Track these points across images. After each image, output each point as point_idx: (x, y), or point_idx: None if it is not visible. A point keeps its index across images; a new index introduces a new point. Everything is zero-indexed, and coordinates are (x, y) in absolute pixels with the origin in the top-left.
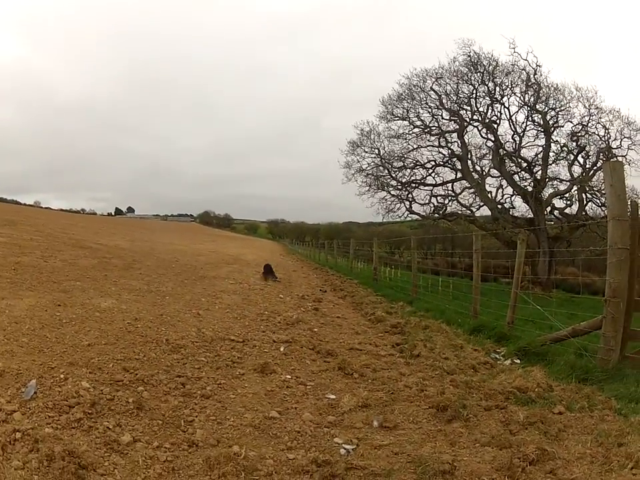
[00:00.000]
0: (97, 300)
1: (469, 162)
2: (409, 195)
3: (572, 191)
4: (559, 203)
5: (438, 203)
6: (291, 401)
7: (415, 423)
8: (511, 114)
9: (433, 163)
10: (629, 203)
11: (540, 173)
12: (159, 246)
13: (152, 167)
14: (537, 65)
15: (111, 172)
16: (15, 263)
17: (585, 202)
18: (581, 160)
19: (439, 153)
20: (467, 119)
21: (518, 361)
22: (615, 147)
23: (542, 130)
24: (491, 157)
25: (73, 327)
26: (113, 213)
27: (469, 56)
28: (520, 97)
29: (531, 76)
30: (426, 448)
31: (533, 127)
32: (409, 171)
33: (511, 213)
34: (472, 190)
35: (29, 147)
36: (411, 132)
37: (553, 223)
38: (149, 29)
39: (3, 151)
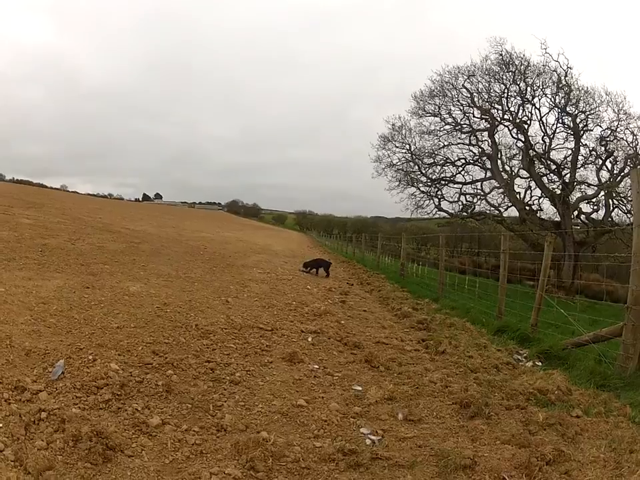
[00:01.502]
0: (125, 284)
1: (499, 161)
2: (439, 192)
3: (599, 196)
4: (585, 207)
5: (467, 201)
6: (318, 391)
7: (438, 417)
8: (542, 115)
9: (463, 160)
10: None
11: (568, 176)
12: (186, 233)
13: (180, 153)
14: (567, 67)
15: (139, 158)
16: (42, 245)
17: (611, 208)
18: (609, 165)
19: (470, 151)
20: (498, 118)
21: (539, 363)
22: None
23: (572, 133)
24: (520, 158)
25: (101, 309)
26: (141, 199)
27: (501, 55)
28: (551, 99)
29: (562, 78)
30: (448, 442)
31: (562, 129)
32: (439, 167)
33: (538, 215)
34: (501, 190)
35: (55, 130)
36: (442, 129)
37: (579, 227)
38: (178, 14)
39: (30, 133)
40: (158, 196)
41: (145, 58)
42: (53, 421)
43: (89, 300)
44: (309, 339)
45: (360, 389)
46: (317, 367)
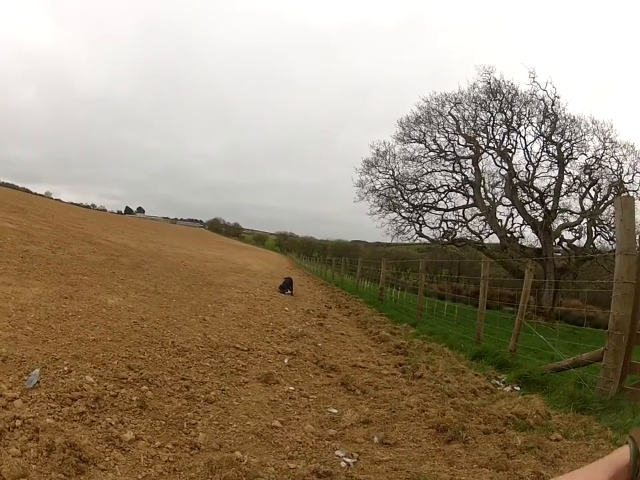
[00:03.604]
0: (103, 296)
1: (482, 189)
2: (420, 218)
3: (581, 223)
4: (567, 234)
5: (448, 227)
6: (294, 412)
7: (414, 441)
8: (527, 143)
9: (446, 187)
10: (638, 238)
11: (551, 204)
12: (167, 249)
13: (165, 167)
14: (555, 96)
15: (125, 169)
16: (23, 251)
17: (593, 235)
18: (593, 193)
19: (453, 178)
20: (483, 146)
21: (518, 388)
22: (627, 181)
23: (556, 161)
24: (503, 186)
25: (78, 320)
26: (123, 212)
27: (489, 83)
28: (536, 127)
29: (549, 107)
30: (425, 466)
31: (547, 157)
32: (421, 194)
33: (519, 242)
34: (482, 217)
35: (45, 135)
36: (426, 155)
37: (560, 254)
38: (174, 27)
39: (19, 136)
40: (140, 210)
41: (140, 67)
42: (28, 429)
43: (66, 310)
44: (285, 361)
45: (335, 411)
46: (292, 388)
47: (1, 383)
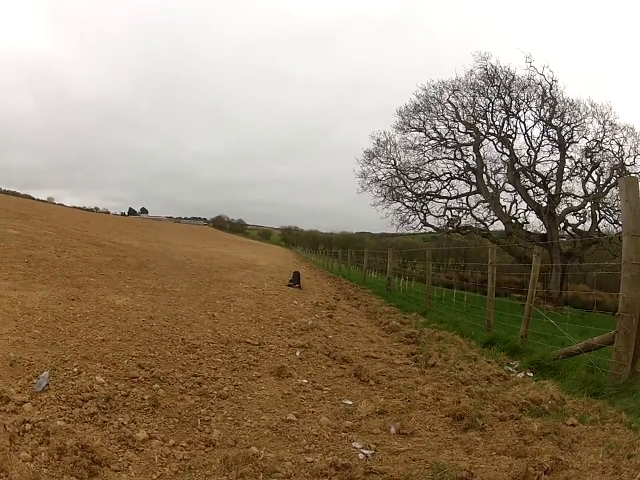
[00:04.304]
0: (111, 297)
1: (484, 175)
2: (424, 207)
3: (585, 207)
4: (572, 219)
5: (452, 215)
6: (308, 405)
7: (431, 430)
8: (527, 128)
9: (448, 175)
10: None
11: (554, 188)
12: (172, 247)
13: (167, 168)
14: (552, 80)
15: (127, 172)
16: (27, 256)
17: (598, 219)
18: (595, 176)
19: (455, 165)
20: (483, 132)
21: (531, 374)
22: (628, 163)
23: (557, 145)
24: (505, 171)
25: (86, 321)
26: (127, 213)
27: (486, 69)
28: (535, 112)
29: (547, 91)
30: (443, 455)
31: (548, 142)
32: (424, 182)
33: (524, 228)
34: (486, 204)
35: (45, 141)
36: (427, 143)
37: (565, 239)
38: (169, 29)
39: (18, 143)
40: (144, 210)
41: (137, 70)
42: (38, 432)
43: (74, 312)
44: (297, 354)
45: (350, 403)
46: (305, 381)
47: (9, 387)
